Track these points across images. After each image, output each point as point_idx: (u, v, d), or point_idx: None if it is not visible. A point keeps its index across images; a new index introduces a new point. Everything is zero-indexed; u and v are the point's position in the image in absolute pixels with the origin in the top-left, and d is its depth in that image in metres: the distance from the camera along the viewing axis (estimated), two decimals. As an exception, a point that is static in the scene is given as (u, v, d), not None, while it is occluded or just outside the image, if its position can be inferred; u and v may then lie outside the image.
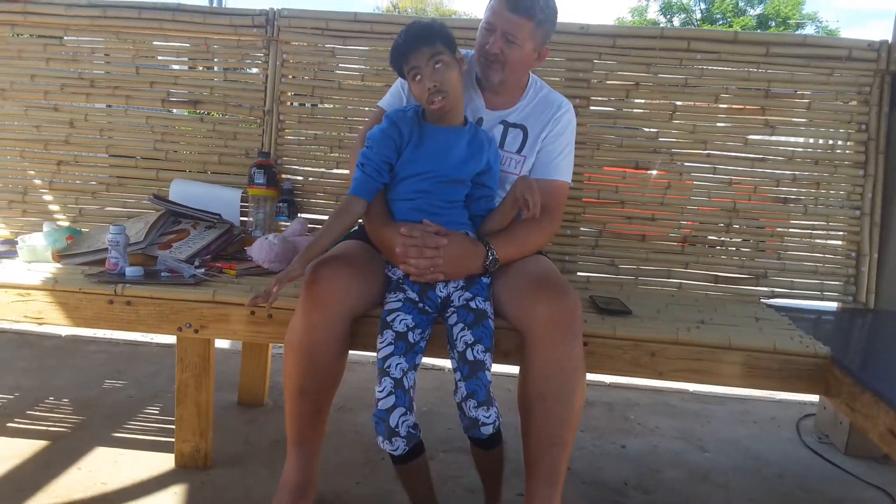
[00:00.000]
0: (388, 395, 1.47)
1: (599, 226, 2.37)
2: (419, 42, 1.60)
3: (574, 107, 1.93)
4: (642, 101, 2.38)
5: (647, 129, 2.39)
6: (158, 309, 1.76)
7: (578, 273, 2.36)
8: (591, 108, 2.37)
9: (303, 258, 1.58)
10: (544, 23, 1.77)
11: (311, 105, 2.53)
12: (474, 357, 1.51)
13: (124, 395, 2.42)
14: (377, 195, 1.69)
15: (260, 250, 2.01)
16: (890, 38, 2.33)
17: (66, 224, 2.41)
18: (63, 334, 3.00)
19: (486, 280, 1.68)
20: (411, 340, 1.54)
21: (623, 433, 2.35)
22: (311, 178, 2.47)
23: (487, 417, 1.49)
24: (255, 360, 2.36)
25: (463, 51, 1.73)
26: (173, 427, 1.91)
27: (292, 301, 1.64)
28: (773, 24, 26.14)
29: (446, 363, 1.71)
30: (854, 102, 2.32)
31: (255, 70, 2.52)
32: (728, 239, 2.35)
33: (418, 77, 1.62)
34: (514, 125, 1.86)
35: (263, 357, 2.35)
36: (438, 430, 2.24)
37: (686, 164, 2.35)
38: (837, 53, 2.30)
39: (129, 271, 1.84)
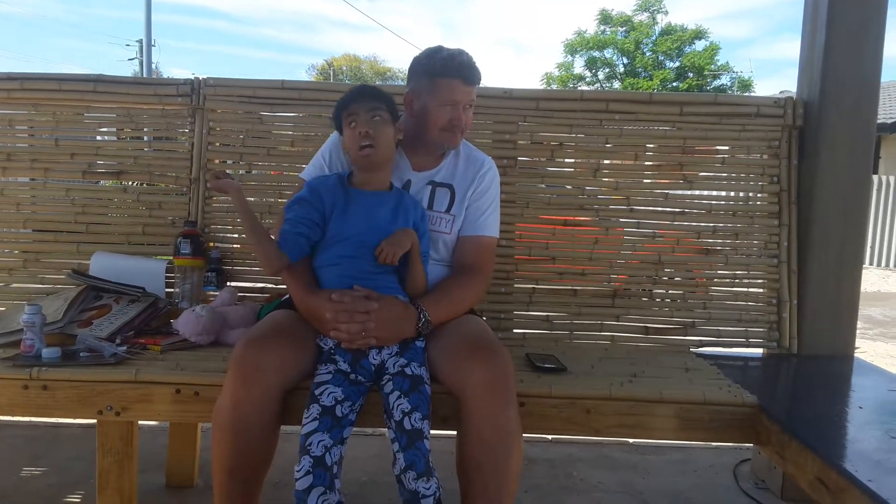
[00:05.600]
0: (305, 474, 1.41)
1: (532, 282, 2.39)
2: (364, 96, 1.70)
3: (502, 167, 1.99)
4: (569, 160, 2.45)
5: (570, 188, 2.45)
6: (77, 392, 1.67)
7: (514, 330, 2.38)
8: (519, 168, 2.42)
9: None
10: None
11: (245, 172, 2.48)
12: (412, 426, 1.49)
13: (44, 483, 2.26)
14: (303, 263, 1.68)
15: (186, 323, 1.95)
16: (794, 95, 2.47)
17: (-21, 304, 2.29)
18: (-23, 419, 2.81)
19: (420, 344, 1.67)
20: (338, 414, 1.50)
21: (566, 491, 2.33)
22: (240, 246, 2.42)
23: (427, 489, 1.45)
24: (183, 437, 2.25)
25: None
26: (95, 517, 1.80)
27: (220, 377, 1.58)
28: (691, 75, 27.49)
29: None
30: (765, 156, 2.43)
31: (182, 139, 2.48)
32: (656, 290, 2.42)
33: (353, 124, 1.66)
34: (441, 184, 1.89)
35: (192, 434, 2.25)
36: (378, 502, 2.17)
37: (612, 219, 2.41)
38: (747, 111, 2.42)
39: (46, 353, 1.75)
